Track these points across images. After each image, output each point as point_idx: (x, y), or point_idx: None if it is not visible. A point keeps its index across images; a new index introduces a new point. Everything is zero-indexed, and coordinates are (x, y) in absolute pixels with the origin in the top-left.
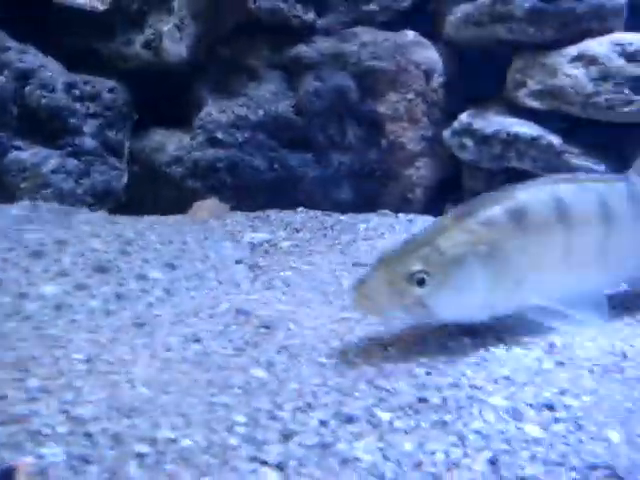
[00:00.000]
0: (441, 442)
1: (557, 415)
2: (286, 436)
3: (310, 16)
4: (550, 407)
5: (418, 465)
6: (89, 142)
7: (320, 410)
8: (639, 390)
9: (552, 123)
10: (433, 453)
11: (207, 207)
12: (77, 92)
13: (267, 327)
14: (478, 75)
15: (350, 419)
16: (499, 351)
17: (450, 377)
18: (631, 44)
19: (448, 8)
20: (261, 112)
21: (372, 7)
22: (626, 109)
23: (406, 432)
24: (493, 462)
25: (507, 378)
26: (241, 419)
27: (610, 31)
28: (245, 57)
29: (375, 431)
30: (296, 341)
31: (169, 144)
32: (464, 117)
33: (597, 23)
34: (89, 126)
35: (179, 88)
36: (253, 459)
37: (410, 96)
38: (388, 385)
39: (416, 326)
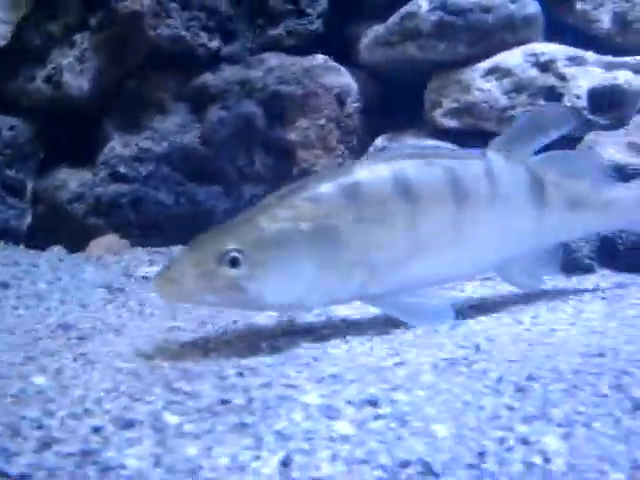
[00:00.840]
0: (233, 445)
1: (379, 412)
2: (45, 445)
3: (215, 44)
4: (373, 403)
5: (194, 471)
6: None
7: (98, 416)
8: (483, 383)
9: (470, 142)
10: (218, 458)
11: (104, 243)
12: None
13: (82, 338)
14: (400, 99)
15: (130, 424)
16: (337, 351)
17: (265, 378)
18: (544, 53)
19: (362, 31)
20: (165, 144)
21: (279, 31)
22: None
23: (196, 436)
24: (285, 463)
25: (334, 376)
26: None
27: (525, 42)
28: (152, 90)
29: (156, 436)
30: (104, 349)
31: (71, 181)
32: (379, 141)
33: (510, 35)
34: None
35: (85, 124)
36: None
37: (322, 122)
38: (188, 387)
39: (251, 329)
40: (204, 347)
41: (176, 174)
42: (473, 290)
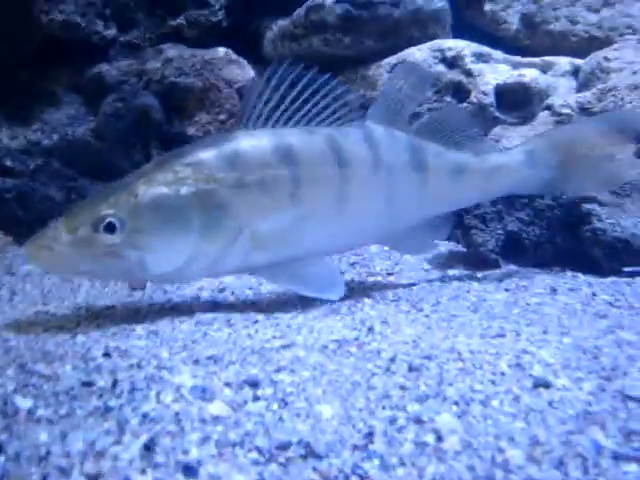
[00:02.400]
0: (92, 430)
1: (259, 393)
2: None
3: (111, 32)
4: (254, 384)
5: (43, 458)
6: None
7: None
8: (375, 363)
9: None
10: (72, 443)
11: None
12: None
13: None
14: None
15: None
16: (219, 334)
17: (135, 358)
18: (451, 49)
19: (267, 25)
20: (56, 137)
21: (179, 21)
22: None
23: (50, 421)
24: (148, 447)
25: (212, 358)
26: None
27: (433, 38)
28: (44, 80)
29: (3, 422)
30: None
31: None
32: None
33: (418, 30)
34: None
35: None
36: None
37: (222, 117)
38: (47, 369)
39: (127, 313)
40: (72, 330)
41: (67, 169)
42: (373, 281)
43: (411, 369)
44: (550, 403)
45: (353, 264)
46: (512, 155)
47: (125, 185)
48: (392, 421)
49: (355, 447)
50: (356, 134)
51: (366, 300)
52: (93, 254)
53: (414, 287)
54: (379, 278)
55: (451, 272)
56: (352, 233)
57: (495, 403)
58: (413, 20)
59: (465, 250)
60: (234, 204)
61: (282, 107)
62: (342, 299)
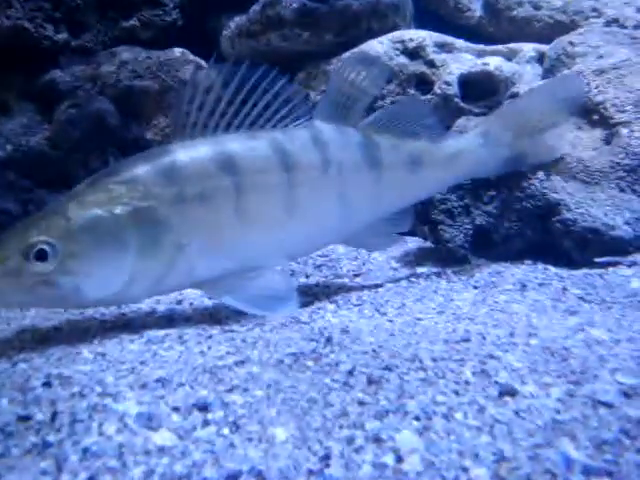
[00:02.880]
0: (27, 471)
1: (209, 417)
2: None
3: (63, 36)
4: (203, 408)
5: None
6: None
7: None
8: (332, 377)
9: None
10: None
11: None
12: None
13: None
14: None
15: None
16: (169, 352)
17: (77, 386)
18: (412, 40)
19: (224, 23)
20: (10, 147)
21: (132, 23)
22: None
23: None
24: None
25: (160, 380)
26: None
27: (393, 30)
28: None
29: None
30: None
31: None
32: None
33: (377, 22)
34: None
35: None
36: None
37: None
38: None
39: (74, 333)
40: (12, 358)
41: (23, 180)
42: (339, 284)
43: (370, 382)
44: (517, 413)
45: (319, 266)
46: (469, 139)
47: (56, 208)
48: (350, 441)
49: (310, 472)
50: (302, 135)
51: (329, 306)
52: (24, 285)
53: (380, 289)
54: (345, 280)
55: (420, 270)
56: (305, 238)
57: (459, 416)
58: (372, 12)
59: (433, 246)
60: (174, 220)
61: (218, 111)
62: (304, 305)
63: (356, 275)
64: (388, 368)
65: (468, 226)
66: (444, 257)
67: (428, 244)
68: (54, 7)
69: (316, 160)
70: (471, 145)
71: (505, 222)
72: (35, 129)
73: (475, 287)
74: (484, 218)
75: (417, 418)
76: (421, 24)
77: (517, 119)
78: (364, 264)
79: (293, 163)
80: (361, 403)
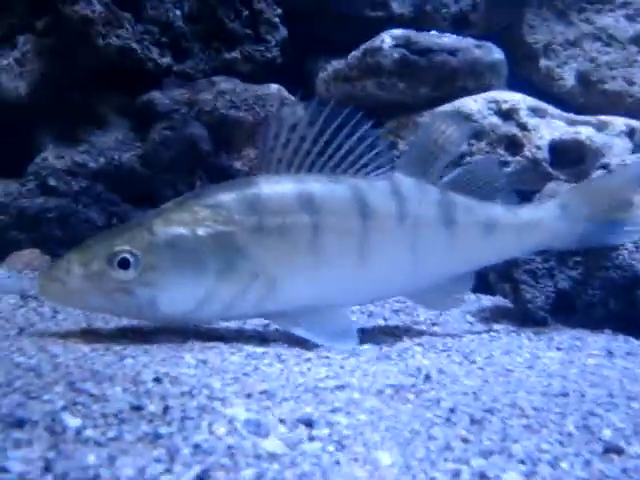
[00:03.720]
0: (141, 456)
1: (314, 433)
2: None
3: (166, 60)
4: (308, 424)
5: None
6: None
7: None
8: (434, 412)
9: None
10: (121, 468)
11: (24, 258)
12: None
13: None
14: None
15: (21, 423)
16: (271, 369)
17: (186, 386)
18: (506, 101)
19: (320, 65)
20: (102, 160)
21: (234, 55)
22: None
23: (98, 443)
24: (202, 479)
25: (265, 392)
26: None
27: (487, 89)
28: (95, 103)
29: (51, 439)
30: (4, 343)
31: None
32: None
33: (473, 80)
34: None
35: (18, 131)
36: None
37: None
38: (96, 389)
39: (174, 340)
40: (119, 353)
41: (111, 193)
42: (418, 330)
43: (473, 421)
44: (624, 471)
45: (397, 311)
46: (546, 209)
47: (143, 222)
48: (455, 474)
49: None
50: (382, 185)
51: (415, 347)
52: (104, 289)
53: (463, 338)
54: (423, 327)
55: (496, 327)
56: (373, 285)
57: (565, 465)
58: (470, 70)
59: (511, 305)
60: (251, 248)
61: (303, 150)
62: (390, 344)
63: (434, 324)
64: (489, 411)
65: (550, 289)
66: (522, 317)
67: (503, 302)
68: (162, 32)
69: (393, 211)
70: (548, 216)
71: (588, 289)
72: (128, 145)
73: (559, 349)
74: (567, 283)
75: (522, 462)
76: (510, 88)
77: (594, 196)
78: (441, 314)
79: (370, 211)
80: (465, 440)
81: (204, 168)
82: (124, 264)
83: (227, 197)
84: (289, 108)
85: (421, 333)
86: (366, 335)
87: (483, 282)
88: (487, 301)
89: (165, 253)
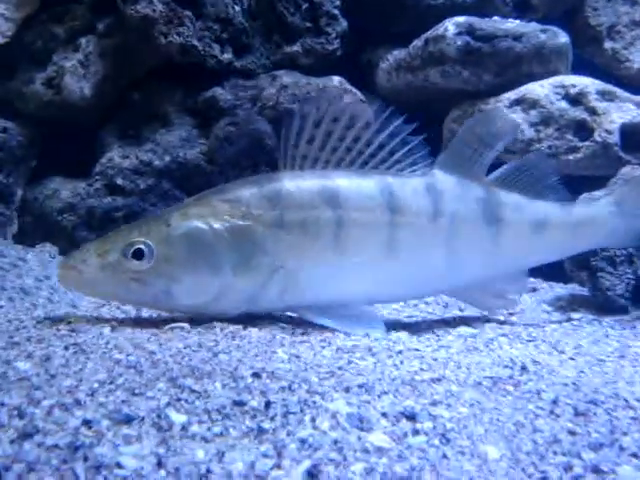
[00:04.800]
0: (249, 451)
1: (418, 426)
2: (25, 435)
3: (227, 56)
4: (411, 417)
5: (204, 476)
6: None
7: (91, 409)
8: (535, 404)
9: None
10: (231, 463)
11: None
12: None
13: (73, 331)
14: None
15: (129, 420)
16: (363, 362)
17: (284, 381)
18: (574, 86)
19: (380, 56)
20: (168, 158)
21: (295, 49)
22: (570, 157)
23: (204, 439)
24: (312, 474)
25: (362, 386)
26: None
27: (553, 74)
28: (157, 101)
29: (159, 435)
30: (100, 341)
31: (63, 190)
32: None
33: (539, 65)
34: None
35: (83, 132)
36: None
37: None
38: (197, 385)
39: (264, 335)
40: (212, 349)
41: (177, 190)
42: (498, 320)
43: (577, 413)
44: None
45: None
46: (601, 206)
47: (162, 215)
48: (567, 468)
49: None
50: (415, 182)
51: (500, 339)
52: (120, 279)
53: (546, 328)
54: (501, 318)
55: (575, 316)
56: (404, 282)
57: None
58: (535, 55)
59: (587, 293)
60: (271, 242)
61: (330, 146)
62: (473, 336)
63: (511, 314)
64: (593, 402)
65: (630, 276)
66: (600, 305)
67: (579, 290)
68: (222, 29)
69: (425, 207)
70: (602, 213)
71: None
72: (193, 143)
73: None
74: None
75: (635, 455)
76: (575, 72)
77: None
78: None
79: (399, 206)
80: (572, 433)
81: (269, 163)
82: (138, 255)
83: (247, 192)
84: (309, 104)
85: (501, 323)
86: (448, 326)
87: (556, 270)
88: (561, 289)
89: (181, 245)
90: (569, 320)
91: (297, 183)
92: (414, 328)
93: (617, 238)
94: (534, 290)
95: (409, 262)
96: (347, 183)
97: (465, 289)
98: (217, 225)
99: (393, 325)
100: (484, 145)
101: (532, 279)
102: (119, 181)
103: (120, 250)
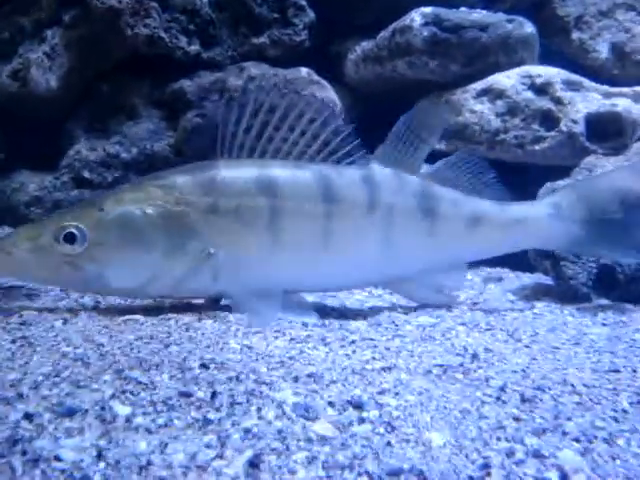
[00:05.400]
0: (192, 442)
1: (364, 415)
2: None
3: (194, 48)
4: (358, 406)
5: (144, 467)
6: None
7: (34, 402)
8: (483, 391)
9: None
10: (173, 454)
11: None
12: None
13: (23, 323)
14: (384, 118)
15: (71, 412)
16: (315, 352)
17: (233, 372)
18: (540, 76)
19: (348, 47)
20: (135, 150)
21: (262, 40)
22: (536, 147)
23: (148, 430)
24: (254, 464)
25: (311, 375)
26: None
27: (520, 64)
28: (125, 94)
29: (102, 427)
30: (50, 334)
31: (30, 183)
32: None
33: (505, 55)
34: None
35: (50, 125)
36: None
37: None
38: (143, 377)
39: (219, 327)
40: (164, 340)
41: None
42: (460, 310)
43: (524, 400)
44: None
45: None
46: (537, 207)
47: (95, 200)
48: (509, 454)
49: (471, 479)
50: (352, 173)
51: (458, 327)
52: (51, 263)
53: (506, 317)
54: (464, 307)
55: (538, 304)
56: (339, 272)
57: (621, 442)
58: (502, 45)
59: (552, 283)
60: (203, 228)
61: (265, 136)
62: (433, 325)
63: (475, 303)
64: (540, 389)
65: (592, 264)
66: (564, 294)
67: (544, 279)
68: (189, 20)
69: (362, 198)
70: (538, 214)
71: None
72: (160, 135)
73: (604, 324)
74: None
75: (577, 440)
76: (542, 62)
77: (596, 196)
78: (481, 294)
79: (335, 197)
80: (517, 419)
81: None
82: (70, 239)
83: (182, 179)
84: (250, 93)
85: (463, 313)
86: (409, 316)
87: (522, 260)
88: (527, 279)
89: (113, 230)
90: (532, 308)
91: (233, 171)
92: (374, 319)
93: (553, 241)
94: (500, 279)
95: (344, 252)
96: (283, 173)
97: (400, 281)
98: (149, 210)
99: (354, 316)
100: (419, 139)
101: (499, 268)
102: (86, 174)
103: (52, 234)
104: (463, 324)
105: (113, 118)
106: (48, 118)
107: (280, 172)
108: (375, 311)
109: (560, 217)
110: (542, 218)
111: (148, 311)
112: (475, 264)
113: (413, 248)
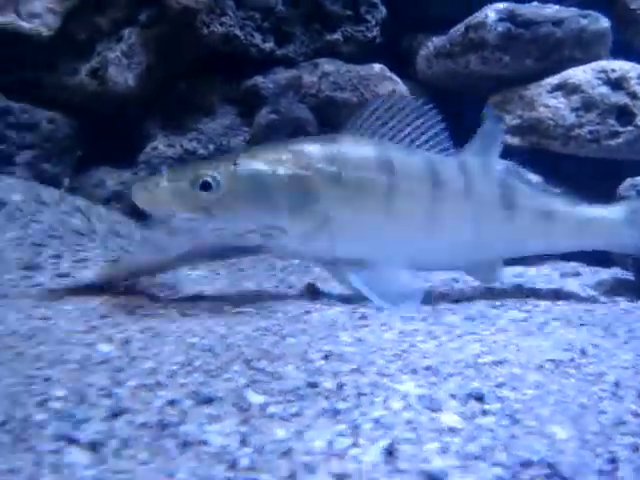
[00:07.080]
0: (325, 431)
1: (486, 407)
2: (115, 414)
3: (268, 45)
4: (478, 398)
5: (286, 453)
6: (20, 173)
7: (172, 390)
8: (599, 386)
9: (533, 161)
10: (311, 442)
11: None
12: (12, 119)
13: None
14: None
15: (209, 400)
16: (426, 345)
17: (354, 364)
18: (615, 70)
19: (420, 43)
20: (212, 147)
21: (335, 37)
22: (612, 142)
23: (282, 419)
24: (390, 452)
25: (429, 368)
26: (60, 393)
27: (594, 59)
28: (200, 91)
29: (240, 415)
30: (172, 326)
31: (110, 179)
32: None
33: (579, 50)
34: (22, 156)
35: (128, 122)
36: (60, 437)
37: None
38: (270, 367)
39: (325, 320)
40: (278, 333)
41: None
42: (546, 304)
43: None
44: None
45: (518, 285)
46: (611, 211)
47: (231, 155)
48: (635, 449)
49: (601, 472)
50: (451, 161)
51: (552, 322)
52: (186, 205)
53: (594, 312)
54: (548, 302)
55: (621, 300)
56: (439, 252)
57: None
58: (576, 40)
59: (632, 278)
60: (326, 194)
61: (388, 126)
62: (525, 320)
63: (557, 298)
64: None
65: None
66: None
67: (621, 275)
68: (263, 17)
69: (460, 185)
70: (610, 218)
71: None
72: (236, 131)
73: None
74: None
75: None
76: (613, 55)
77: None
78: (561, 287)
79: (440, 181)
80: (636, 415)
81: None
82: (206, 186)
83: (311, 147)
84: (396, 95)
85: (549, 308)
86: (497, 310)
87: (600, 255)
88: (604, 274)
89: (245, 184)
90: (617, 304)
91: (356, 147)
92: (464, 313)
93: (623, 246)
94: (577, 274)
95: (444, 234)
96: (399, 154)
97: (478, 266)
98: (280, 171)
99: (442, 309)
100: (494, 140)
101: (574, 263)
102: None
103: (189, 181)
104: (556, 319)
105: (189, 115)
106: (126, 116)
107: (396, 153)
108: (461, 305)
109: (633, 224)
110: (614, 222)
111: (254, 304)
112: (552, 258)
113: (495, 235)
